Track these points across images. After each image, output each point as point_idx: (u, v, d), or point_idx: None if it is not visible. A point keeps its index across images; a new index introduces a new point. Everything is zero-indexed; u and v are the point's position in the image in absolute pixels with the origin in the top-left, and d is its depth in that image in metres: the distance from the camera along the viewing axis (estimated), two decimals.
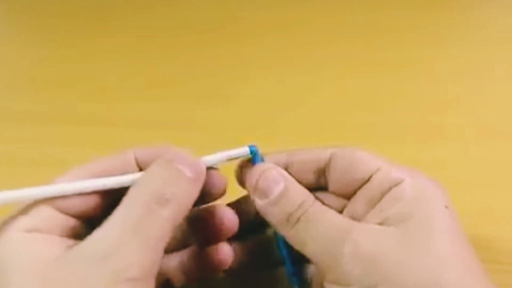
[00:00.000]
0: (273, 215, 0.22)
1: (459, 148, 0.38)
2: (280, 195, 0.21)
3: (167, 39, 0.55)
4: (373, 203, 0.21)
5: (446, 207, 0.20)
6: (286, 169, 0.23)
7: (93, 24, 0.59)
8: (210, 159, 0.22)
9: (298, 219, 0.21)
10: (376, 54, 0.50)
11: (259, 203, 0.22)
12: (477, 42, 0.52)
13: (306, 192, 0.22)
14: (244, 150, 0.23)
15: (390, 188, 0.21)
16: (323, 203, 0.22)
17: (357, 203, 0.22)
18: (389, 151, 0.22)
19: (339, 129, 0.40)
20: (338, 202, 0.23)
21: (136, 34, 0.56)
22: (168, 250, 0.24)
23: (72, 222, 0.21)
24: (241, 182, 0.24)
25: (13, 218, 0.19)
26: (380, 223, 0.20)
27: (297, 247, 0.21)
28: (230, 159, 0.23)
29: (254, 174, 0.22)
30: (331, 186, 0.23)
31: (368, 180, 0.21)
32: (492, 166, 0.36)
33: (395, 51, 0.51)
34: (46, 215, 0.20)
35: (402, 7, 0.59)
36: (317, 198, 0.22)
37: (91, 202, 0.21)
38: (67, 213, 0.21)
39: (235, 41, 0.54)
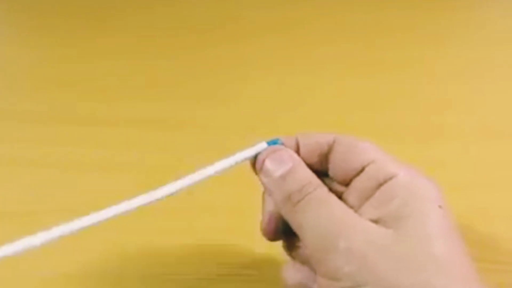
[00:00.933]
0: (276, 192, 0.22)
1: (459, 148, 0.38)
2: (284, 174, 0.22)
3: (167, 39, 0.55)
4: (367, 195, 0.21)
5: (440, 207, 0.20)
6: (297, 151, 0.23)
7: (93, 24, 0.59)
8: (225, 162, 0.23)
9: (299, 201, 0.21)
10: (376, 54, 0.50)
11: (264, 180, 0.23)
12: (477, 42, 0.52)
13: (314, 176, 0.22)
14: (261, 146, 0.23)
15: (383, 181, 0.21)
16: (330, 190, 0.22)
17: (352, 192, 0.22)
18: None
19: (339, 129, 0.39)
20: (337, 188, 0.23)
21: (136, 34, 0.56)
22: None
23: None
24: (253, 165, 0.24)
25: None
26: (376, 221, 0.20)
27: (295, 229, 0.21)
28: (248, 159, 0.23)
29: (264, 153, 0.23)
30: (330, 172, 0.23)
31: (362, 170, 0.21)
32: (492, 166, 0.36)
33: (395, 51, 0.51)
34: None
35: (402, 7, 0.59)
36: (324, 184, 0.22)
37: None
38: None
39: (235, 41, 0.54)
